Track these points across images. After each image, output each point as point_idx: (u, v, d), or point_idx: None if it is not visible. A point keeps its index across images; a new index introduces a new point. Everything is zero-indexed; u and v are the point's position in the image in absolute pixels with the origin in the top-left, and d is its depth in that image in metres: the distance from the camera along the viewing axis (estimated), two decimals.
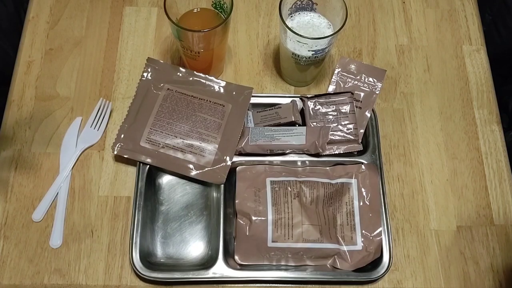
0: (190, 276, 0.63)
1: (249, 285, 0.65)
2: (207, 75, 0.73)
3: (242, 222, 0.65)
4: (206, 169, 0.67)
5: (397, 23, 0.83)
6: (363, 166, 0.68)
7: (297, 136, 0.69)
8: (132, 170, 0.70)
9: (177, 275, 0.63)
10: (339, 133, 0.70)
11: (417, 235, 0.69)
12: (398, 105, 0.77)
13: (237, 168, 0.68)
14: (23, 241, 0.66)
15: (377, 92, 0.74)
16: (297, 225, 0.65)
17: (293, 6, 0.69)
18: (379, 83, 0.75)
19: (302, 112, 0.72)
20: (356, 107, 0.73)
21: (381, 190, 0.68)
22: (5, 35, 0.90)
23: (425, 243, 0.68)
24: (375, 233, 0.65)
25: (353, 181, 0.68)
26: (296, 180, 0.67)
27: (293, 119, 0.71)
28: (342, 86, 0.75)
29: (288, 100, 0.73)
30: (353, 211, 0.66)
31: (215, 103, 0.71)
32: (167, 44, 0.80)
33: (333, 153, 0.70)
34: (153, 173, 0.69)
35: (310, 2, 0.69)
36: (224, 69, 0.78)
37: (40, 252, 0.66)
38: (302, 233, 0.64)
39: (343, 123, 0.71)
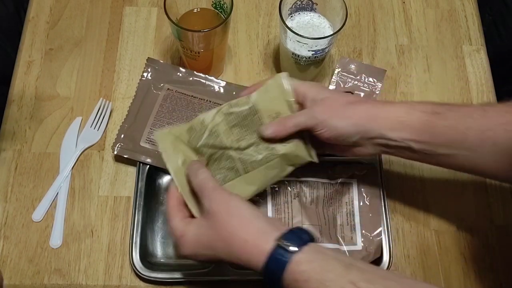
0: (190, 276, 0.63)
1: (249, 285, 0.65)
2: (207, 75, 0.73)
3: None
4: None
5: (397, 23, 0.83)
6: (363, 166, 0.68)
7: None
8: (132, 170, 0.70)
9: (177, 275, 0.63)
10: None
11: (417, 235, 0.69)
12: None
13: None
14: (23, 241, 0.66)
15: (377, 92, 0.74)
16: (297, 225, 0.65)
17: (293, 6, 0.69)
18: (379, 83, 0.75)
19: None
20: None
21: (381, 190, 0.68)
22: (5, 35, 0.90)
23: (425, 243, 0.68)
24: (375, 233, 0.65)
25: (353, 181, 0.68)
26: (296, 180, 0.67)
27: None
28: (342, 86, 0.75)
29: None
30: (353, 211, 0.66)
31: (215, 103, 0.71)
32: (167, 44, 0.80)
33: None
34: (153, 173, 0.69)
35: (310, 2, 0.69)
36: (224, 69, 0.78)
37: (40, 252, 0.66)
38: None
39: None
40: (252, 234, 0.46)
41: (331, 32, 0.68)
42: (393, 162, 0.73)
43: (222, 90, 0.73)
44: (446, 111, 0.52)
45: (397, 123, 0.53)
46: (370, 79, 0.75)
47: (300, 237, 0.45)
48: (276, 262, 0.44)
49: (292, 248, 0.44)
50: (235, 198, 0.49)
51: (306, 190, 0.66)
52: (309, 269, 0.43)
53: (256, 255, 0.45)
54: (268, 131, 0.55)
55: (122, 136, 0.69)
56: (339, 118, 0.54)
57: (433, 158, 0.54)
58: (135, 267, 0.63)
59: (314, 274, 0.42)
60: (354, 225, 0.66)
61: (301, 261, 0.43)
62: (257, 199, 0.66)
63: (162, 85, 0.72)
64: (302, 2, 0.69)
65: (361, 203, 0.67)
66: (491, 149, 0.51)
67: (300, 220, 0.65)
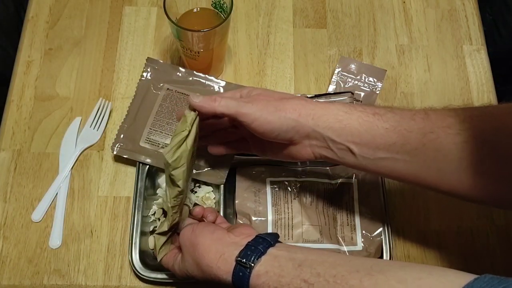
0: None
1: None
2: (207, 75, 0.73)
3: (242, 223, 0.65)
4: (206, 169, 0.67)
5: (398, 23, 0.83)
6: None
7: None
8: (131, 170, 0.70)
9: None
10: None
11: (418, 235, 0.69)
12: (398, 105, 0.77)
13: (237, 168, 0.68)
14: (22, 241, 0.66)
15: (378, 92, 0.74)
16: (297, 226, 0.64)
17: None
18: (379, 83, 0.75)
19: None
20: None
21: (381, 190, 0.67)
22: (5, 35, 0.90)
23: (425, 243, 0.68)
24: (375, 233, 0.65)
25: (353, 181, 0.68)
26: (296, 180, 0.67)
27: None
28: (342, 86, 0.75)
29: None
30: (353, 211, 0.66)
31: None
32: (167, 44, 0.79)
33: None
34: (153, 173, 0.69)
35: None
36: (224, 69, 0.78)
37: (39, 253, 0.65)
38: (302, 233, 0.64)
39: None
40: (214, 260, 0.51)
41: None
42: None
43: (222, 90, 0.73)
44: (386, 112, 0.51)
45: (335, 122, 0.52)
46: (370, 79, 0.75)
47: (257, 248, 0.49)
48: (240, 280, 0.48)
49: (249, 264, 0.48)
50: (197, 228, 0.54)
51: (306, 190, 0.66)
52: (267, 279, 0.47)
53: (223, 276, 0.50)
54: (197, 100, 0.53)
55: (122, 136, 0.69)
56: (271, 111, 0.52)
57: (373, 163, 0.52)
58: (134, 267, 0.63)
59: (272, 283, 0.47)
60: (354, 225, 0.65)
61: (259, 274, 0.48)
62: (257, 199, 0.66)
63: (161, 85, 0.72)
64: None
65: (361, 203, 0.66)
66: (433, 155, 0.49)
67: (300, 221, 0.65)
